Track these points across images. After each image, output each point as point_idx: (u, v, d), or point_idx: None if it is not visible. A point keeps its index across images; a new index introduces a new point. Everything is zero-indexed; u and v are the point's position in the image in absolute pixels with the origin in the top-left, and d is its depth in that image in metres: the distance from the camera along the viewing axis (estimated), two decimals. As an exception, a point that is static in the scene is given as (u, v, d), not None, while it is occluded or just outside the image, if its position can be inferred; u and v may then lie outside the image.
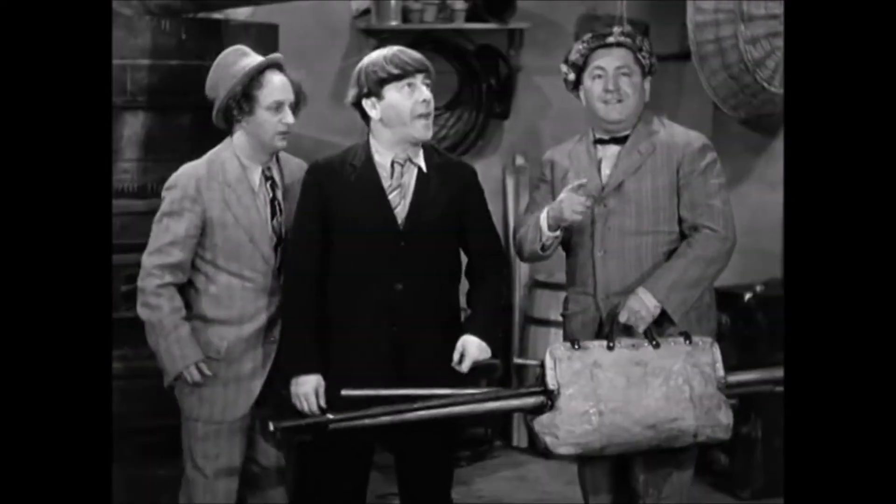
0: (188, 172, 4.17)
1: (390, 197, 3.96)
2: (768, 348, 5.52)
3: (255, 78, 4.08)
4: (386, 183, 3.97)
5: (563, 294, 6.62)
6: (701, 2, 5.61)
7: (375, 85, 3.93)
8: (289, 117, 4.13)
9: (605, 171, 4.14)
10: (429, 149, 4.07)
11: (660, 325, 4.01)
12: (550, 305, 6.19)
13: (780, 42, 5.48)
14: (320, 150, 6.38)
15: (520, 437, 6.45)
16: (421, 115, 3.92)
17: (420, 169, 4.00)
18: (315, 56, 6.33)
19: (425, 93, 3.92)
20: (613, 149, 4.14)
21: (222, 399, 4.15)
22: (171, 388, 4.23)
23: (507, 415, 6.40)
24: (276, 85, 4.10)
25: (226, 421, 4.16)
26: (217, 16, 5.44)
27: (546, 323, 6.17)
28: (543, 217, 4.06)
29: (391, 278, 3.92)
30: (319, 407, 3.95)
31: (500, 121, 6.78)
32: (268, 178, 4.19)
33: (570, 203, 3.96)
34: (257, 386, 4.16)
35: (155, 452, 4.74)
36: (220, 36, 5.09)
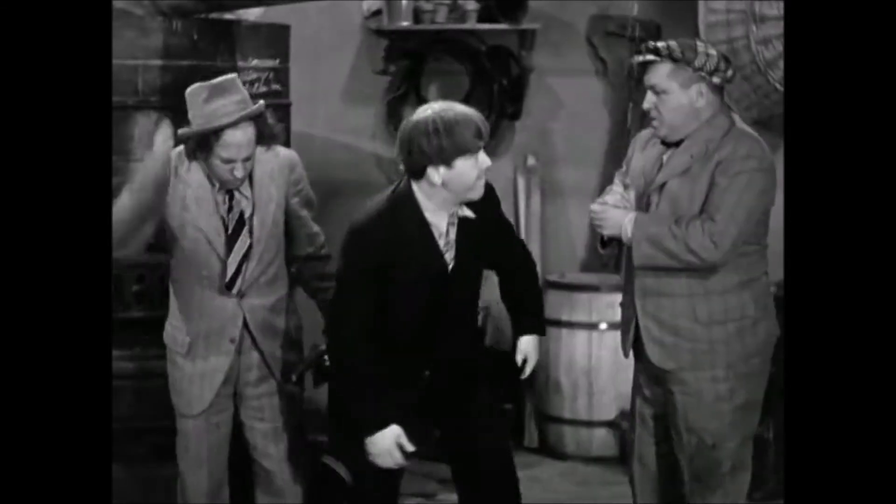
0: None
1: (442, 250, 3.96)
2: (781, 350, 5.49)
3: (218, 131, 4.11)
4: (439, 240, 3.96)
5: (574, 295, 6.60)
6: (713, 2, 5.61)
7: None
8: (238, 171, 4.14)
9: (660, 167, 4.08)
10: None
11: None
12: (563, 305, 6.18)
13: (791, 42, 5.46)
14: (330, 151, 6.46)
15: (531, 438, 6.45)
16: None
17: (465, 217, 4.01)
18: (326, 56, 6.35)
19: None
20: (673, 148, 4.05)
21: (188, 393, 4.30)
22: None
23: (519, 416, 6.41)
24: (234, 143, 4.10)
25: (191, 415, 4.30)
26: (229, 16, 5.45)
27: (558, 324, 6.15)
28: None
29: (435, 322, 3.96)
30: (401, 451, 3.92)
31: (512, 121, 6.77)
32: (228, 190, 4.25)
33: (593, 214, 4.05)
34: (216, 382, 4.27)
35: (165, 452, 4.75)
36: (232, 37, 5.10)
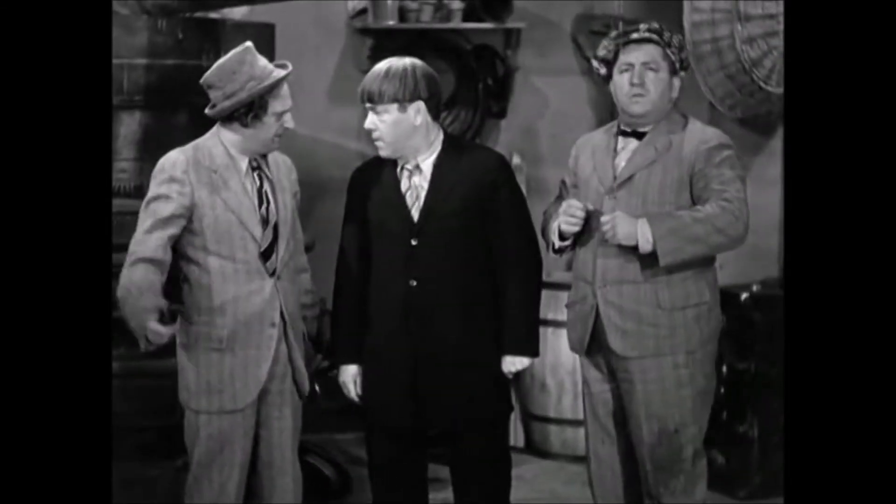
0: (174, 156, 4.17)
1: (406, 197, 4.16)
2: (765, 348, 5.52)
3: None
4: (403, 185, 4.18)
5: (559, 293, 6.61)
6: (698, 1, 5.62)
7: None
8: (290, 122, 4.18)
9: (621, 163, 4.15)
10: (454, 141, 4.27)
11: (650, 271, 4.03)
12: (548, 305, 6.11)
13: (776, 41, 5.48)
14: (315, 149, 6.45)
15: (517, 437, 6.44)
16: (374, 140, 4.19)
17: (431, 170, 4.17)
18: (311, 56, 6.34)
19: (367, 122, 4.20)
20: (633, 142, 4.16)
21: (230, 388, 4.13)
22: (172, 387, 4.19)
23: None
24: (285, 94, 4.17)
25: (237, 409, 4.13)
26: (214, 15, 5.45)
27: (544, 323, 6.11)
28: (555, 227, 4.20)
29: (406, 276, 4.12)
30: (357, 394, 4.27)
31: (497, 120, 6.79)
32: (255, 168, 4.21)
33: (565, 214, 4.13)
34: (264, 371, 4.15)
35: (150, 452, 4.73)
36: (217, 35, 5.10)
